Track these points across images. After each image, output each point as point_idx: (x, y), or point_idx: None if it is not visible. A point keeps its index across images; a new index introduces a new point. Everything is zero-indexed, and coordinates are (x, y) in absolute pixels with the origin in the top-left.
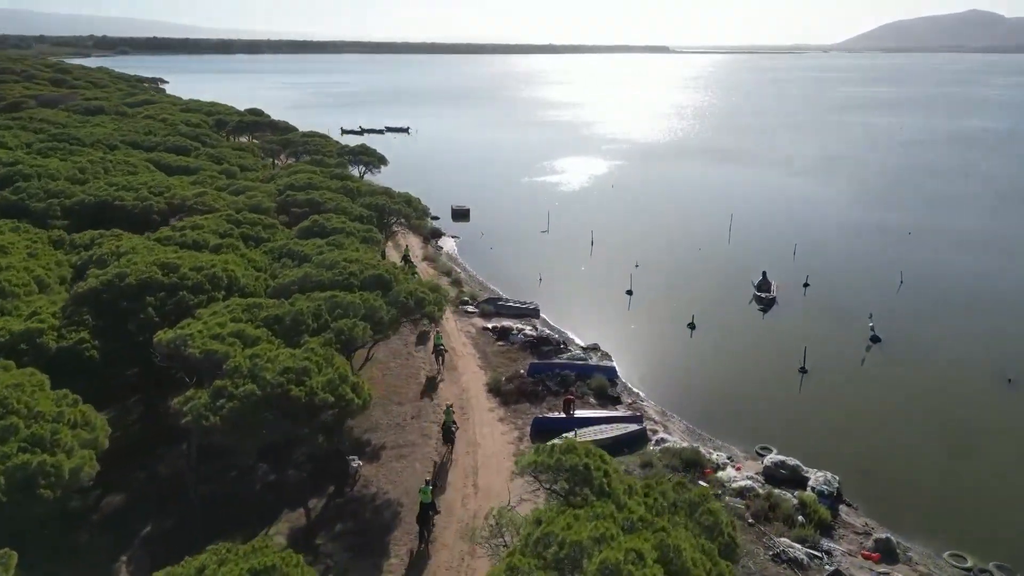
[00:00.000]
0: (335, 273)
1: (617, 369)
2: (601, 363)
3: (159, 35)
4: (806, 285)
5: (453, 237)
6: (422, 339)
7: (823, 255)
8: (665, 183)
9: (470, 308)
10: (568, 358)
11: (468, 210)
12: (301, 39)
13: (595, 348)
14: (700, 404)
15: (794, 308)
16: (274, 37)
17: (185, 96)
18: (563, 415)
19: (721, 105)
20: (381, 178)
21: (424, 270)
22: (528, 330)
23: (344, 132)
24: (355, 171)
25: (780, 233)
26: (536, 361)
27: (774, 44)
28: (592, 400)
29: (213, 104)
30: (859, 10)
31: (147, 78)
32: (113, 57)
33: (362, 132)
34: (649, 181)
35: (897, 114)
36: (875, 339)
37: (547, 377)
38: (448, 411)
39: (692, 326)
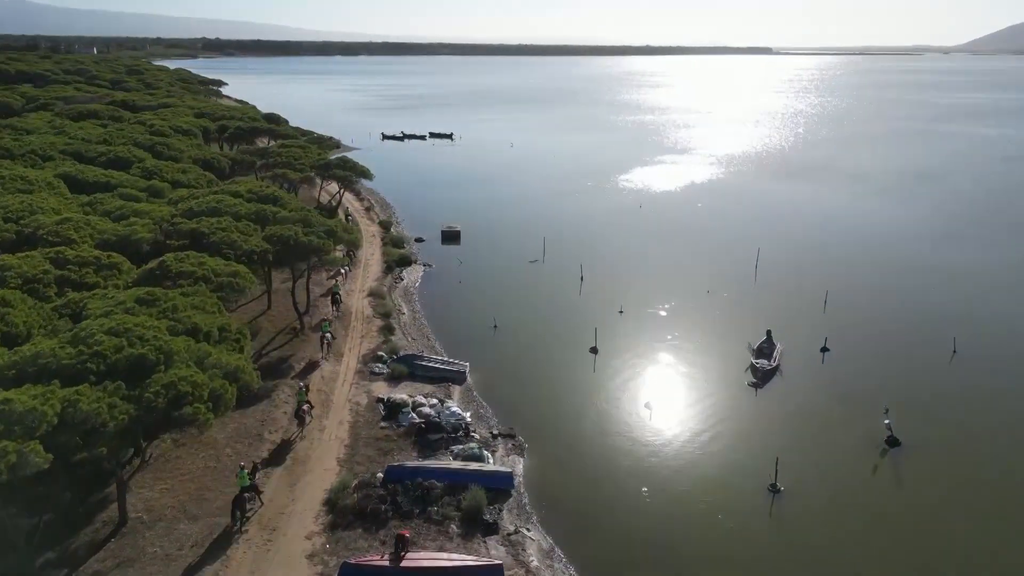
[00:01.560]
0: (74, 354)
1: (515, 477)
2: (495, 468)
3: (263, 38)
4: (824, 350)
5: (425, 265)
6: (283, 373)
7: (861, 306)
8: (704, 204)
9: (379, 368)
10: (459, 452)
11: (459, 232)
12: (397, 41)
13: (508, 435)
14: (619, 538)
15: (797, 385)
16: (372, 39)
17: (247, 98)
18: (386, 561)
19: (813, 112)
20: (390, 190)
21: (360, 310)
22: (427, 408)
23: (385, 138)
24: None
25: (816, 273)
26: (396, 464)
27: (889, 45)
28: (453, 528)
29: (237, 108)
30: (987, 9)
31: (211, 80)
32: (219, 59)
33: (403, 138)
34: (687, 200)
35: (1012, 125)
36: (892, 441)
37: (404, 488)
38: (301, 392)
39: (648, 407)
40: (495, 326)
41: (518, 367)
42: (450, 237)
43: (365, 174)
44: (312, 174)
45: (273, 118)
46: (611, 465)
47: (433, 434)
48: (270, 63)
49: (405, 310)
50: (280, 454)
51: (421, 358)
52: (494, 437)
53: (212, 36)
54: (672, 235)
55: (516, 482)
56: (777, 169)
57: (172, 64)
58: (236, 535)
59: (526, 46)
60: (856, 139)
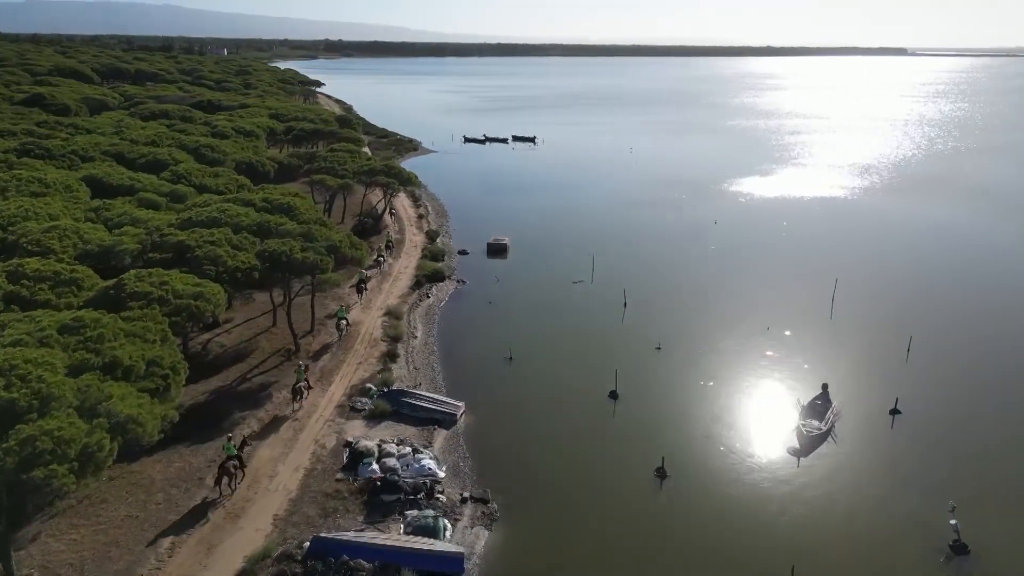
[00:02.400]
0: None
1: (469, 559)
2: (445, 548)
3: (383, 39)
4: (895, 413)
5: (458, 282)
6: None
7: (955, 360)
8: (791, 221)
9: (362, 403)
10: (411, 521)
11: (506, 245)
12: (511, 42)
13: (480, 500)
14: None
15: (850, 457)
16: (486, 40)
17: (348, 98)
18: None
19: (942, 119)
20: (454, 196)
21: (369, 331)
22: (394, 458)
23: (466, 140)
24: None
25: (906, 313)
26: (324, 536)
27: None
28: None
29: (312, 109)
30: None
31: (310, 80)
32: (338, 59)
33: (484, 141)
34: (771, 216)
35: None
36: (958, 548)
37: (327, 567)
38: (299, 371)
39: (662, 473)
40: (510, 358)
41: (521, 411)
42: (497, 251)
43: (411, 181)
44: (351, 181)
45: (347, 121)
46: (601, 547)
47: (388, 494)
48: (384, 63)
49: (419, 332)
50: (217, 505)
51: (410, 395)
52: (463, 501)
53: (335, 38)
54: (743, 257)
55: (468, 565)
56: (887, 183)
57: (291, 64)
58: (219, 502)
59: (641, 47)
60: (986, 151)
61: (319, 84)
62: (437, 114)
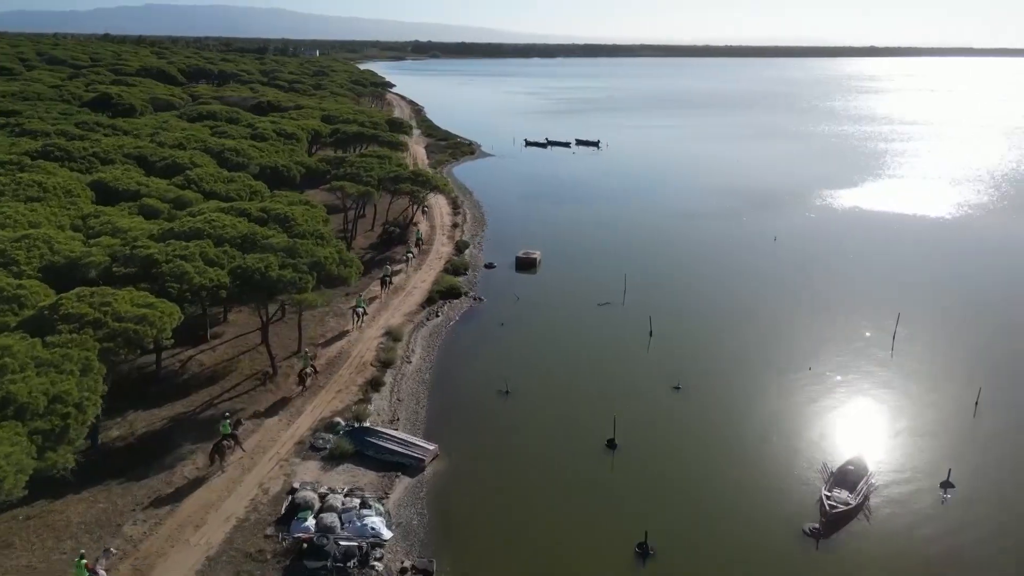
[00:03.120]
0: None
1: None
2: None
3: (471, 40)
4: (946, 486)
5: (475, 299)
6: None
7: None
8: (859, 240)
9: (323, 440)
10: None
11: (535, 259)
12: (598, 43)
13: (423, 573)
14: None
15: (883, 543)
16: (574, 41)
17: (420, 99)
18: None
19: None
20: (499, 203)
21: (360, 353)
22: (335, 513)
23: (528, 144)
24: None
25: (983, 359)
26: None
27: None
28: None
29: (365, 112)
30: None
31: (382, 81)
32: (424, 60)
33: (546, 145)
34: (838, 234)
35: None
36: None
37: None
38: (305, 357)
39: (644, 550)
40: (506, 391)
41: (501, 459)
42: (525, 265)
43: (440, 188)
44: (372, 189)
45: (397, 123)
46: None
47: (313, 560)
48: (469, 64)
49: (415, 358)
50: (136, 542)
51: (379, 434)
52: (401, 573)
53: (424, 39)
54: (798, 281)
55: None
56: (992, 202)
57: (379, 65)
58: (216, 475)
59: (734, 47)
60: None
61: (390, 85)
62: (507, 116)
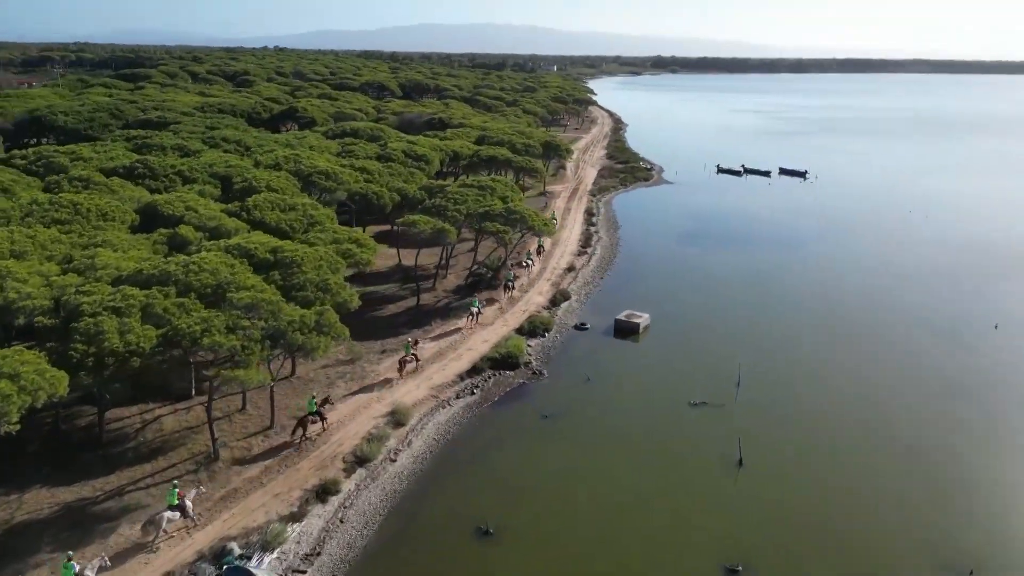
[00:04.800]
0: None
1: None
2: None
3: (717, 55)
4: None
5: (533, 373)
6: None
7: None
8: None
9: (203, 574)
10: None
11: (638, 325)
12: (859, 56)
13: None
14: None
15: None
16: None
17: (625, 113)
18: None
19: None
20: (637, 242)
21: (347, 438)
22: None
23: (720, 171)
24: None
25: None
26: None
27: None
28: None
29: (523, 132)
30: None
31: (583, 98)
32: (661, 75)
33: (742, 173)
34: None
35: None
36: None
37: None
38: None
39: None
40: (486, 531)
41: None
42: (625, 331)
43: (538, 229)
44: (446, 227)
45: (553, 147)
46: None
47: None
48: (705, 79)
49: (405, 456)
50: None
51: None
52: None
53: (668, 54)
54: (1008, 398)
55: None
56: None
57: (613, 79)
58: (296, 446)
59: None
60: None
61: (589, 102)
62: (714, 137)
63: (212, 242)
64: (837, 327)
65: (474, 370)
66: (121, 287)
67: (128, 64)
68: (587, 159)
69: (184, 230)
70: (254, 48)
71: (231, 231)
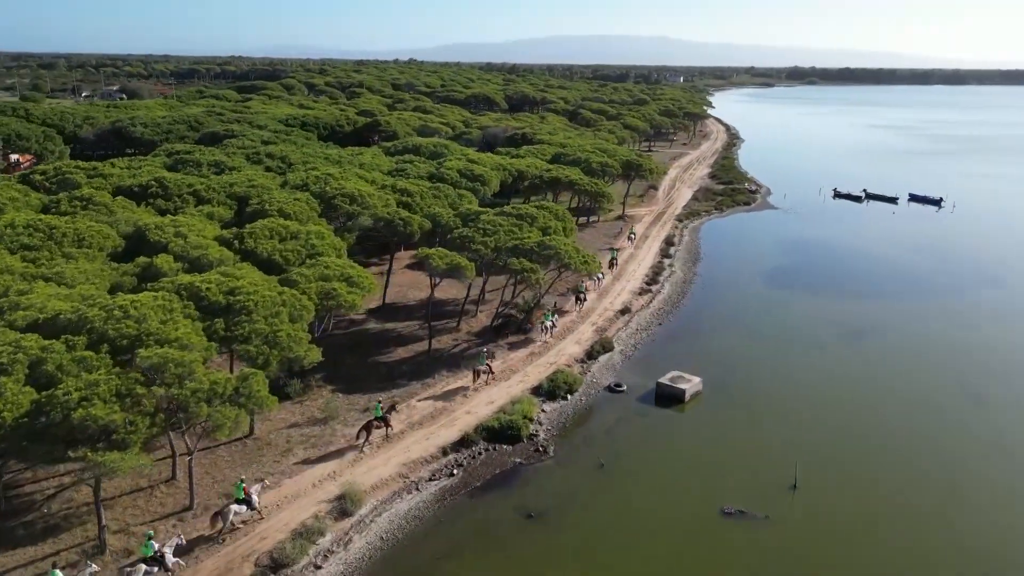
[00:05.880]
0: None
1: None
2: None
3: (863, 66)
4: None
5: (537, 451)
6: None
7: None
8: None
9: None
10: None
11: (683, 392)
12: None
13: None
14: None
15: None
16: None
17: (748, 127)
18: None
19: None
20: (715, 281)
21: (269, 530)
22: None
23: (837, 196)
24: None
25: None
26: None
27: None
28: None
29: (605, 150)
30: None
31: (695, 111)
32: (797, 86)
33: (864, 199)
34: None
35: None
36: None
37: None
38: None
39: None
40: None
41: None
42: (668, 398)
43: (578, 266)
44: (462, 262)
45: (635, 166)
46: None
47: None
48: (844, 91)
49: (336, 563)
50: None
51: None
52: None
53: (807, 64)
54: None
55: None
56: None
57: (743, 91)
58: (360, 449)
59: None
60: None
61: (702, 115)
62: (838, 154)
63: (162, 281)
64: (956, 416)
65: (463, 442)
66: (24, 335)
67: (267, 76)
68: (686, 178)
69: (161, 260)
70: (387, 61)
71: (213, 262)
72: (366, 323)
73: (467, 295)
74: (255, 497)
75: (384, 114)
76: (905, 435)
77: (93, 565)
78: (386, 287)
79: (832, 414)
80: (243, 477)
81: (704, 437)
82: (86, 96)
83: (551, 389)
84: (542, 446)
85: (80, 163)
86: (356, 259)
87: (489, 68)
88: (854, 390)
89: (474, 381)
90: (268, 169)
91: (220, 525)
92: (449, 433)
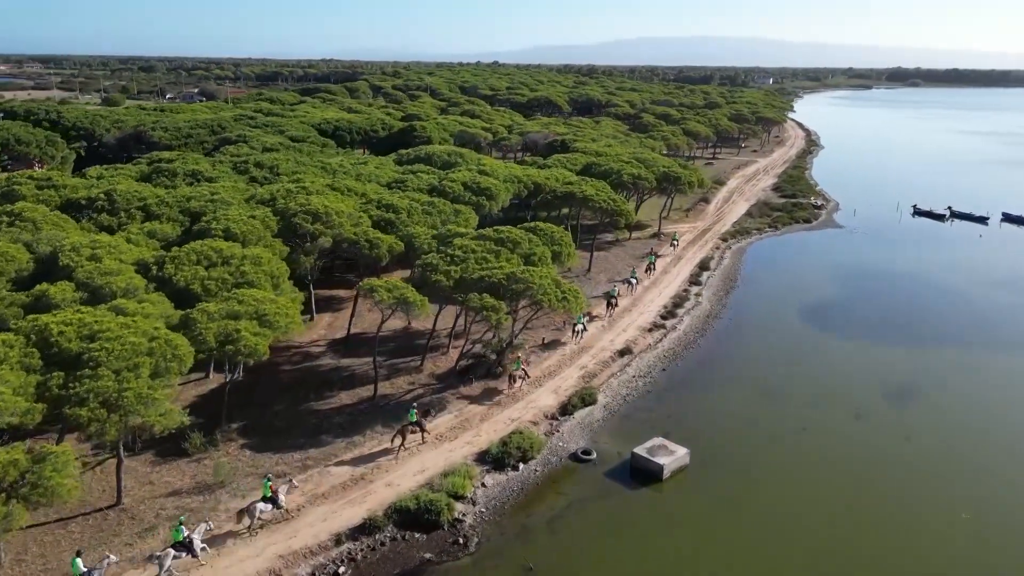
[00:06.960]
0: None
1: None
2: None
3: (967, 67)
4: None
5: (456, 543)
6: None
7: None
8: None
9: None
10: None
11: (661, 468)
12: None
13: None
14: None
15: None
16: None
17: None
18: None
19: None
20: (750, 313)
21: None
22: None
23: (917, 213)
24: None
25: None
26: None
27: None
28: None
29: (643, 159)
30: None
31: (768, 116)
32: (898, 89)
33: (946, 217)
34: None
35: None
36: None
37: None
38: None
39: None
40: None
41: None
42: (644, 474)
43: (552, 305)
44: (412, 298)
45: (672, 177)
46: None
47: None
48: (954, 94)
49: None
50: None
51: None
52: None
53: (910, 65)
54: None
55: None
56: None
57: (838, 93)
58: (396, 453)
59: None
60: None
61: (777, 120)
62: (927, 165)
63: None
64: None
65: (366, 527)
66: None
67: (345, 79)
68: (746, 189)
69: (56, 289)
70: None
71: (116, 292)
72: (321, 357)
73: (453, 326)
74: (282, 497)
75: (431, 118)
76: (957, 539)
77: (112, 556)
78: (352, 316)
79: (848, 514)
80: (269, 475)
81: (678, 534)
82: (169, 98)
83: (499, 456)
84: (464, 537)
85: (35, 172)
86: (325, 283)
87: (566, 70)
88: (887, 484)
89: (397, 442)
90: (253, 179)
91: (248, 522)
92: (354, 513)
